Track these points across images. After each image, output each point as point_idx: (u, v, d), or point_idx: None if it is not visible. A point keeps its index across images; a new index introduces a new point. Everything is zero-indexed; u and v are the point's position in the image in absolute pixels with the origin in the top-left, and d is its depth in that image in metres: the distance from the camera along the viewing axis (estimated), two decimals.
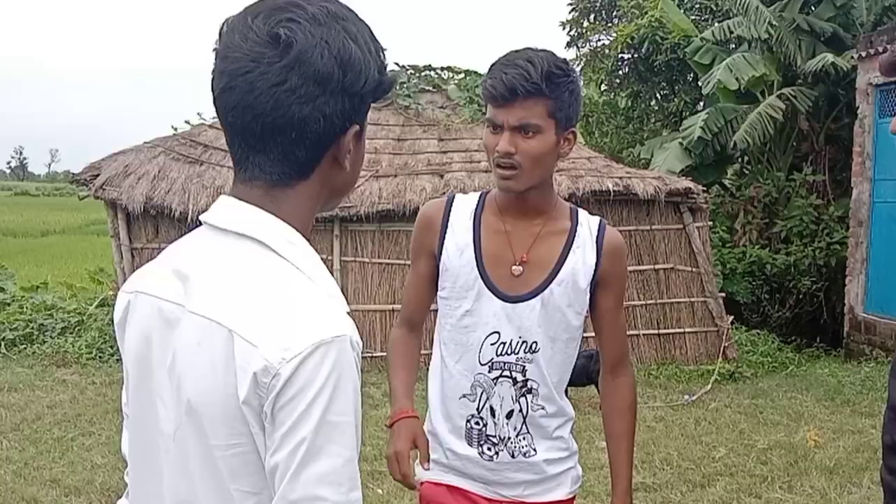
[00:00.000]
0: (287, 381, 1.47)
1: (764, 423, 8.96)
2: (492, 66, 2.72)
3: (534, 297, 2.82)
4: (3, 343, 12.25)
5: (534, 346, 2.84)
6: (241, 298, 1.56)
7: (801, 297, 14.59)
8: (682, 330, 11.98)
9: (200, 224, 1.70)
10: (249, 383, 1.50)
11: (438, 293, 2.94)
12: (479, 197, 2.96)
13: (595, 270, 2.87)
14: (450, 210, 2.93)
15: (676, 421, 8.98)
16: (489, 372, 2.85)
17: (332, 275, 9.75)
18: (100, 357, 11.67)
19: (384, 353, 11.18)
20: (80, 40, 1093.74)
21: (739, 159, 17.48)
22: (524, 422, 2.88)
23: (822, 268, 14.44)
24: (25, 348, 12.17)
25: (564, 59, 2.73)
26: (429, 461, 2.86)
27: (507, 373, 2.85)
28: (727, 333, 11.93)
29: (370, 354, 11.28)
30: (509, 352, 2.84)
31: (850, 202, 13.66)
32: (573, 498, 3.02)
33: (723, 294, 12.44)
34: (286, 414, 1.48)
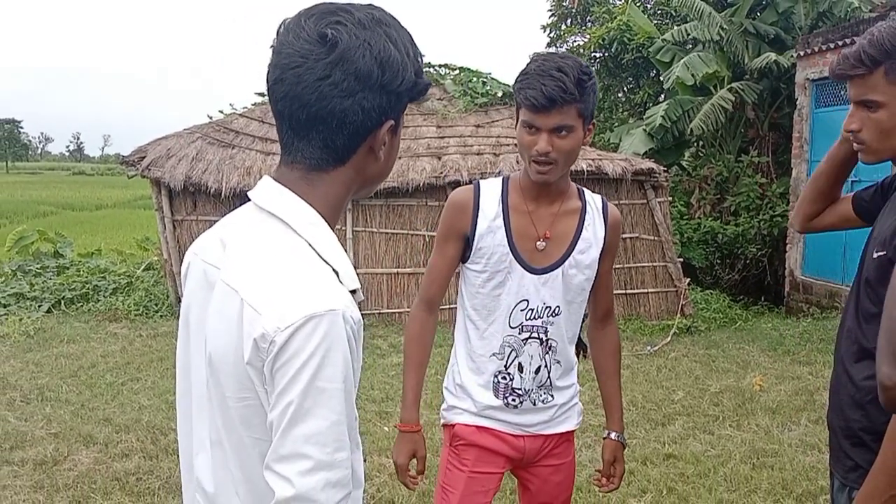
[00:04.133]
0: (281, 348, 1.44)
1: (716, 370, 8.95)
2: (525, 73, 2.66)
3: (556, 268, 2.84)
4: (62, 301, 12.27)
5: (556, 309, 2.87)
6: (256, 270, 1.54)
7: (748, 261, 14.58)
8: (645, 290, 12.02)
9: (235, 199, 1.67)
10: (251, 347, 1.48)
11: (470, 267, 2.90)
12: (503, 182, 2.93)
13: (604, 241, 2.92)
14: (479, 196, 2.89)
15: (641, 368, 8.97)
16: (519, 334, 2.87)
17: (345, 243, 9.63)
18: (146, 313, 11.68)
19: (390, 310, 11.45)
20: (132, 43, 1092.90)
21: (695, 144, 17.41)
22: (549, 376, 2.92)
23: (766, 237, 14.42)
24: (82, 306, 12.20)
25: (586, 64, 2.68)
26: (423, 474, 3.03)
27: (534, 334, 2.87)
28: (684, 293, 11.94)
29: (377, 311, 11.39)
30: (536, 316, 2.86)
31: (790, 180, 13.63)
32: (576, 429, 3.11)
33: (681, 259, 12.46)
34: (280, 377, 1.45)
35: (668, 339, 10.48)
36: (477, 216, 2.86)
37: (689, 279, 12.41)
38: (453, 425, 3.01)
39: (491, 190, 2.90)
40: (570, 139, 2.65)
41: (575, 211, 2.89)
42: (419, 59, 1.63)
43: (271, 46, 1.58)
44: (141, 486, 5.64)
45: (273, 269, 1.53)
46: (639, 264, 11.98)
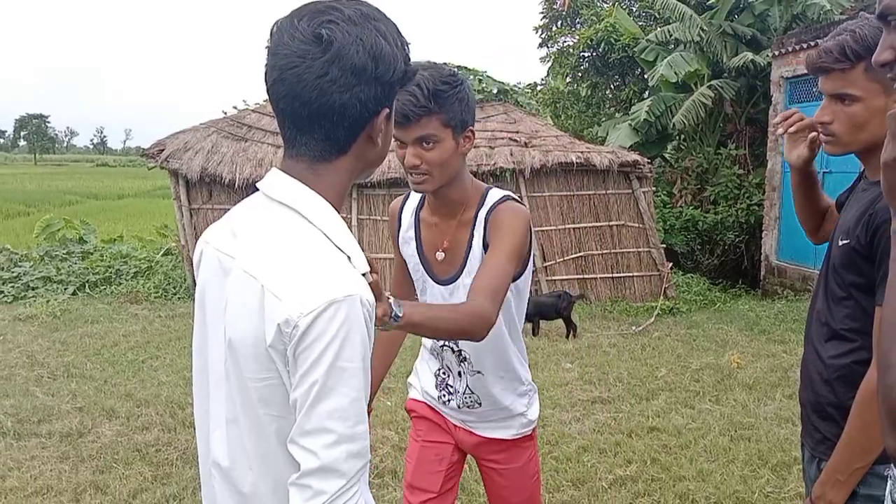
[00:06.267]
0: (304, 332, 1.44)
1: (697, 348, 8.94)
2: None
3: (456, 279, 2.67)
4: (87, 284, 12.29)
5: None
6: (274, 258, 1.53)
7: (726, 247, 14.60)
8: (631, 274, 12.00)
9: (248, 189, 1.66)
10: (275, 331, 1.47)
11: None
12: (422, 196, 2.79)
13: (484, 243, 2.61)
14: (403, 207, 2.82)
15: (626, 347, 8.97)
16: (437, 342, 2.80)
17: (351, 230, 9.73)
18: (165, 296, 11.69)
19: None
20: (153, 42, 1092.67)
21: (677, 137, 17.39)
22: (468, 384, 2.80)
23: (743, 224, 14.43)
24: (105, 289, 12.23)
25: (452, 72, 2.49)
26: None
27: (447, 344, 2.78)
28: (667, 277, 11.93)
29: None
30: None
31: (765, 171, 13.63)
32: (524, 437, 2.91)
33: (664, 245, 12.45)
34: (303, 359, 1.44)
35: (652, 319, 10.48)
36: (400, 226, 2.81)
37: (671, 264, 12.39)
38: (409, 401, 3.03)
39: (411, 203, 2.81)
40: (437, 150, 2.46)
41: (468, 221, 2.64)
42: (406, 48, 1.62)
43: (266, 48, 1.57)
44: (160, 457, 5.64)
45: (291, 256, 1.52)
46: (624, 250, 11.97)
